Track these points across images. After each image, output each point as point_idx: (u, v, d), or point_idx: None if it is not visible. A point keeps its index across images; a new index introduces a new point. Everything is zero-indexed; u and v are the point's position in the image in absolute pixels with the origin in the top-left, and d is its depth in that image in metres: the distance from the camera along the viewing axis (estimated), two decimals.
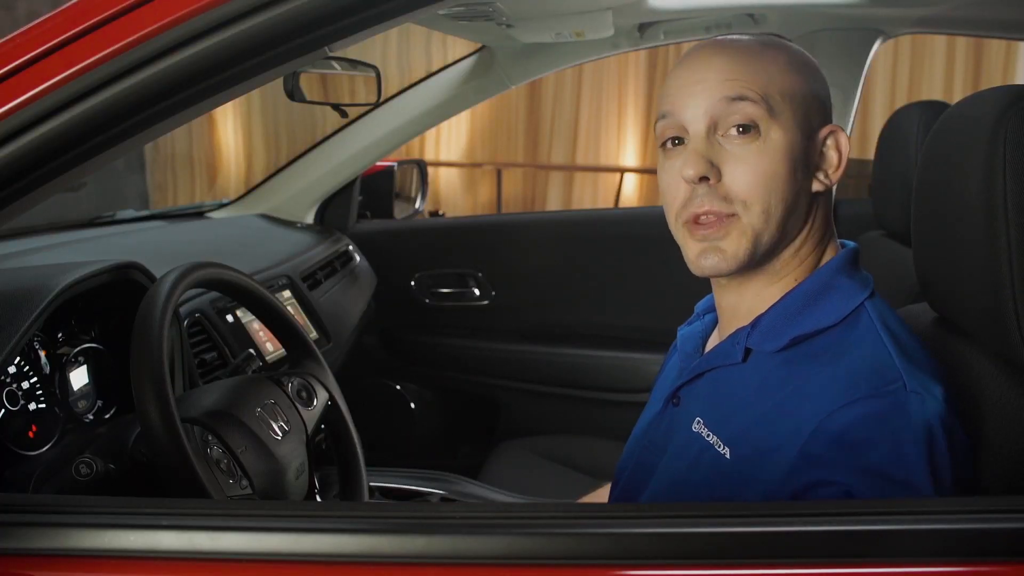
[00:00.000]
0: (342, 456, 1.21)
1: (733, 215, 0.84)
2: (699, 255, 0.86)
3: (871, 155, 1.89)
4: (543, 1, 1.59)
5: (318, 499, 1.16)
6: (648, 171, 5.73)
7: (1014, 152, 0.73)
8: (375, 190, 2.40)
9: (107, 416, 1.16)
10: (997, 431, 0.77)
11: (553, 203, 6.10)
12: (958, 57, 5.04)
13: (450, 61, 2.13)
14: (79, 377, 1.12)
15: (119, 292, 1.13)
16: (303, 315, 1.73)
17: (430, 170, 2.89)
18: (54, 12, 0.72)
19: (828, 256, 0.90)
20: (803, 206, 0.86)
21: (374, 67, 1.93)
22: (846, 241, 0.92)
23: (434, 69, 2.14)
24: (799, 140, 0.84)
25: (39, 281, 0.97)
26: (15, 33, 0.73)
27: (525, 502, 1.51)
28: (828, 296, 0.86)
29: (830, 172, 0.87)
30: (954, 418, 0.77)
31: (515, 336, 2.29)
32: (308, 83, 1.90)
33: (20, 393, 1.02)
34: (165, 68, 0.70)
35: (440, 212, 3.88)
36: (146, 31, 0.69)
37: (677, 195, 0.86)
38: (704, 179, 0.83)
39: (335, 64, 1.90)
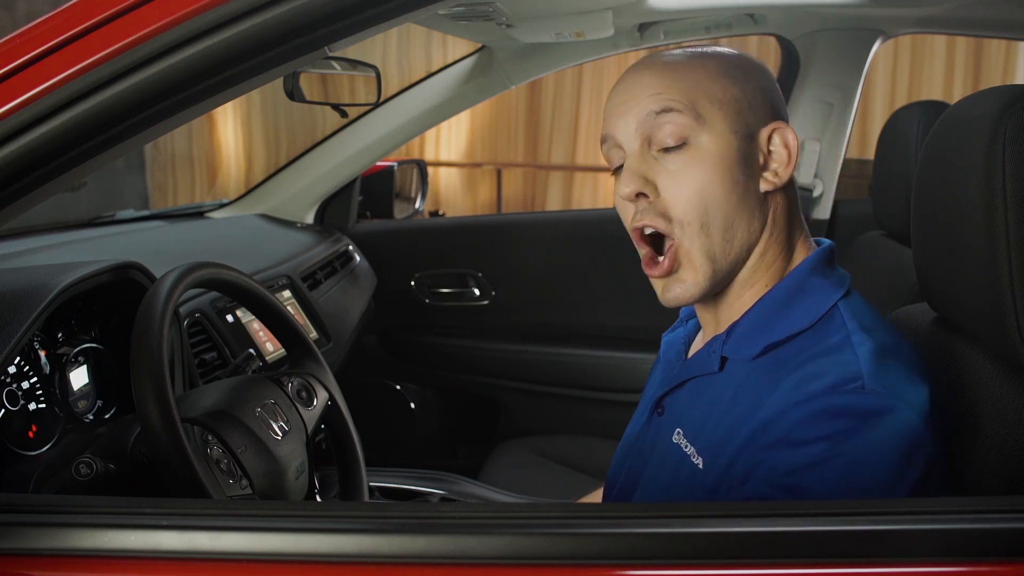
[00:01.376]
0: (342, 456, 1.21)
1: (673, 241, 0.85)
2: (663, 290, 0.87)
3: (871, 155, 1.89)
4: (543, 1, 1.59)
5: (318, 499, 1.16)
6: None
7: (1013, 152, 0.73)
8: (375, 190, 2.40)
9: (107, 416, 1.15)
10: (997, 430, 0.77)
11: (553, 203, 6.10)
12: (958, 57, 5.04)
13: (450, 61, 2.13)
14: (79, 377, 1.12)
15: (119, 292, 1.13)
16: (303, 315, 1.73)
17: (430, 170, 2.90)
18: (54, 12, 0.72)
19: (800, 256, 0.89)
20: (750, 208, 0.85)
21: (374, 67, 1.93)
22: (821, 239, 0.92)
23: (434, 69, 2.14)
24: (734, 143, 0.84)
25: (39, 281, 0.97)
26: (15, 33, 0.73)
27: (525, 502, 1.51)
28: (801, 299, 0.85)
29: (779, 170, 0.86)
30: (926, 428, 0.75)
31: (515, 336, 2.29)
32: (308, 83, 1.90)
33: (20, 393, 1.02)
34: (165, 68, 0.70)
35: (440, 212, 3.88)
36: (146, 31, 0.69)
37: (626, 213, 0.87)
38: (641, 195, 0.85)
39: (335, 64, 1.90)
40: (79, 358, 1.13)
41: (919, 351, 0.85)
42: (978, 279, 0.77)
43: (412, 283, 2.34)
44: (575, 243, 2.26)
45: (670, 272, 0.86)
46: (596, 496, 1.21)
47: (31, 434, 1.02)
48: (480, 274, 2.30)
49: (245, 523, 0.66)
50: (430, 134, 6.09)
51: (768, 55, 5.22)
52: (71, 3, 0.72)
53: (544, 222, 2.45)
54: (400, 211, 2.48)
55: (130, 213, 2.05)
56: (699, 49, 0.89)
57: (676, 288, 0.86)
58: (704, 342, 0.92)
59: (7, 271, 1.05)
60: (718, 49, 0.89)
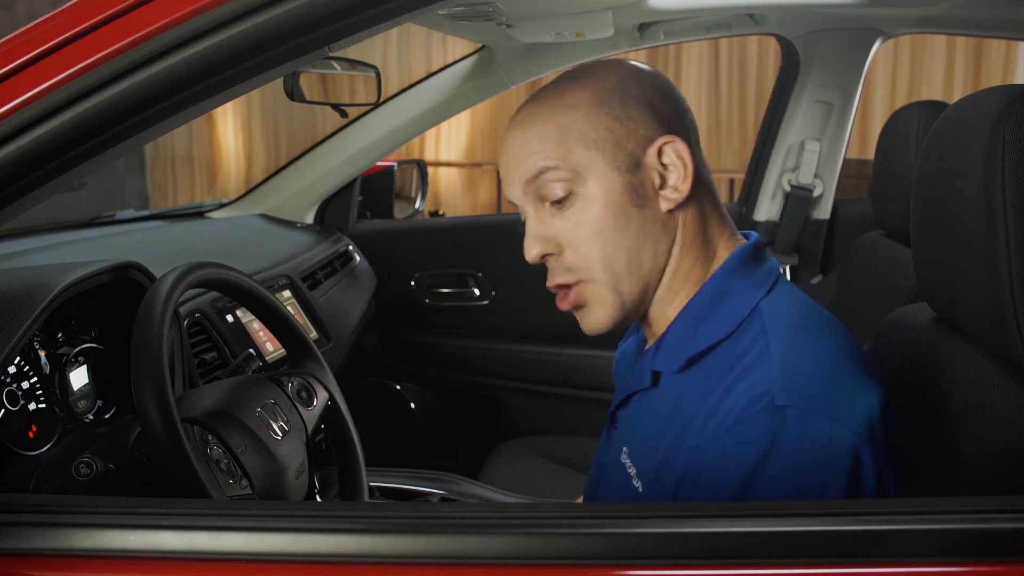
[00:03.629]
0: (342, 456, 1.21)
1: (578, 282, 0.85)
2: (580, 321, 0.88)
3: (871, 155, 1.90)
4: (543, 1, 1.59)
5: (318, 499, 1.16)
6: None
7: (1013, 152, 0.73)
8: (375, 190, 2.40)
9: (107, 416, 1.15)
10: (996, 430, 0.77)
11: None
12: (958, 57, 5.04)
13: (450, 61, 2.13)
14: (79, 377, 1.12)
15: (119, 292, 1.13)
16: (303, 315, 1.73)
17: (430, 170, 2.89)
18: (54, 12, 0.72)
19: (721, 257, 0.86)
20: (654, 234, 0.84)
21: (374, 67, 1.93)
22: (749, 232, 0.90)
23: (434, 69, 2.14)
24: (619, 179, 0.82)
25: (39, 281, 0.97)
26: (15, 33, 0.73)
27: (525, 502, 1.51)
28: (722, 304, 0.83)
29: (678, 184, 0.84)
30: (863, 438, 0.73)
31: (515, 336, 2.29)
32: (308, 83, 1.90)
33: (20, 393, 1.02)
34: (165, 68, 0.70)
35: (440, 212, 3.88)
36: (146, 31, 0.69)
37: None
38: (547, 255, 0.85)
39: (335, 64, 1.90)
40: (79, 358, 1.13)
41: (858, 353, 0.82)
42: (978, 279, 0.77)
43: (412, 283, 2.34)
44: None
45: (577, 307, 0.87)
46: None
47: (31, 434, 1.02)
48: (480, 274, 2.30)
49: (245, 523, 0.66)
50: (430, 134, 6.09)
51: (768, 55, 5.24)
52: (71, 3, 0.72)
53: None
54: (400, 211, 2.48)
55: (130, 213, 2.05)
56: (569, 79, 0.86)
57: (587, 322, 0.87)
58: None
59: (7, 271, 1.05)
60: (589, 71, 0.86)
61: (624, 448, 0.89)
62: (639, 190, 0.83)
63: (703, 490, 0.75)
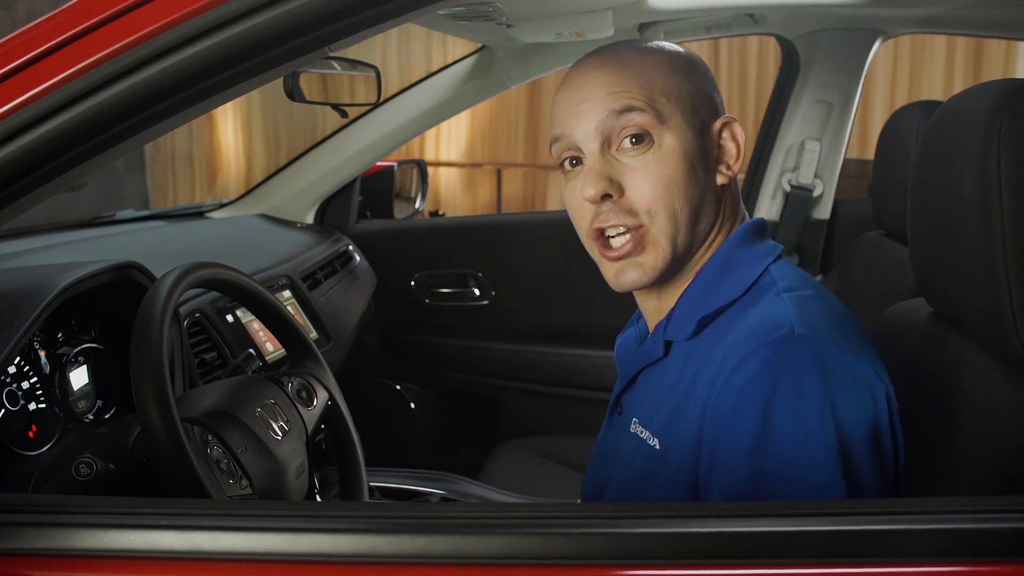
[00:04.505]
0: (342, 456, 1.21)
1: (641, 227, 0.83)
2: (617, 273, 0.86)
3: (871, 155, 1.90)
4: (543, 1, 1.59)
5: (318, 499, 1.16)
6: None
7: (1008, 146, 0.73)
8: (375, 190, 2.40)
9: (107, 416, 1.15)
10: (993, 425, 0.77)
11: (553, 203, 6.09)
12: (958, 57, 5.04)
13: (450, 61, 2.13)
14: (79, 377, 1.12)
15: (119, 292, 1.13)
16: (303, 315, 1.73)
17: (430, 170, 2.89)
18: (54, 12, 0.72)
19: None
20: (711, 202, 0.86)
21: (374, 67, 1.93)
22: (756, 219, 0.92)
23: (434, 69, 2.14)
24: (693, 139, 0.84)
25: (39, 281, 0.97)
26: (15, 33, 0.73)
27: (525, 502, 1.51)
28: (731, 271, 0.85)
29: (731, 163, 0.87)
30: (887, 383, 0.76)
31: (515, 336, 2.29)
32: (308, 83, 1.90)
33: (20, 393, 1.02)
34: (165, 68, 0.70)
35: (440, 212, 3.88)
36: (146, 31, 0.69)
37: (584, 215, 0.86)
38: (607, 196, 0.83)
39: (335, 64, 1.90)
40: (79, 358, 1.13)
41: (864, 332, 0.84)
42: (974, 274, 0.77)
43: (412, 283, 2.33)
44: (575, 243, 2.24)
45: (630, 254, 0.84)
46: None
47: (31, 434, 1.02)
48: (480, 274, 2.30)
49: (245, 523, 0.66)
50: (430, 134, 6.09)
51: (768, 55, 5.24)
52: (71, 3, 0.72)
53: (544, 222, 2.45)
54: (400, 211, 2.47)
55: (130, 213, 2.05)
56: (646, 44, 0.88)
57: (632, 273, 0.85)
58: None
59: (7, 271, 1.05)
60: (663, 44, 0.89)
61: (633, 419, 0.90)
62: (707, 155, 0.86)
63: (723, 433, 0.76)
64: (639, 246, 0.84)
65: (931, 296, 0.90)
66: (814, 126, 2.12)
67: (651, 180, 0.83)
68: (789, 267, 0.86)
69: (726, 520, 0.62)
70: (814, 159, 2.11)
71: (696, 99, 0.85)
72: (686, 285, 0.88)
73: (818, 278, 2.13)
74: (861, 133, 4.60)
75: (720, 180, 0.87)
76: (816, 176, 2.12)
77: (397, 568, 0.62)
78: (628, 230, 0.84)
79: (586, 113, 0.84)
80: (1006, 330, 0.74)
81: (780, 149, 2.15)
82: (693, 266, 0.88)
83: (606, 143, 0.84)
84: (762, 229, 0.90)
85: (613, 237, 0.85)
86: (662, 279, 0.86)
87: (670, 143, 0.83)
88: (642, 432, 0.87)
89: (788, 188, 2.14)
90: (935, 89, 5.05)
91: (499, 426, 2.31)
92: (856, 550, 0.60)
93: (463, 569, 0.62)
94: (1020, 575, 0.59)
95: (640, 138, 0.82)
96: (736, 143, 0.87)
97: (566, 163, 0.87)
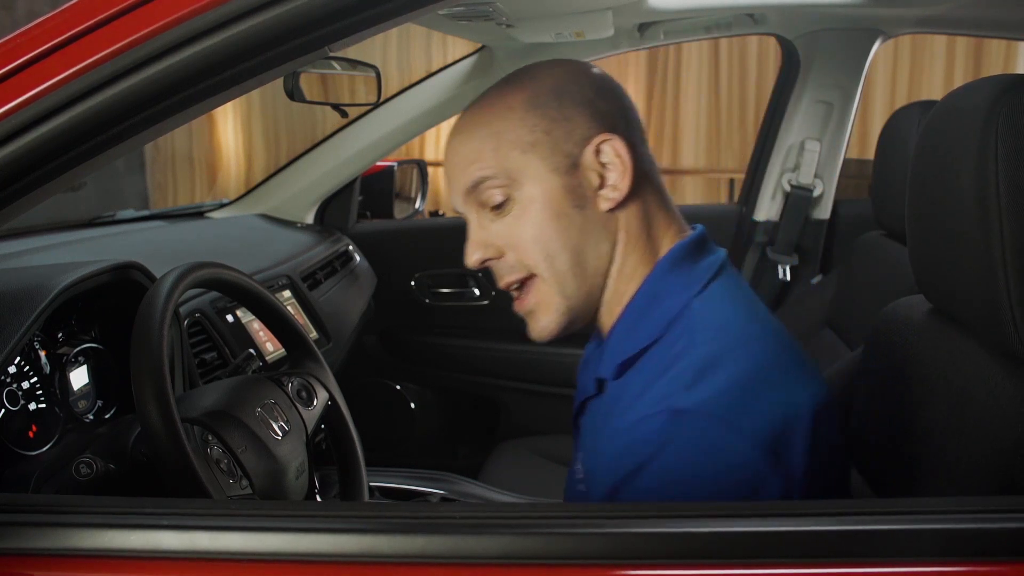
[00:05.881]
0: (342, 456, 1.21)
1: (533, 276, 0.84)
2: (532, 326, 0.87)
3: (871, 155, 1.90)
4: (543, 1, 1.59)
5: (318, 499, 1.16)
6: None
7: (1006, 142, 0.72)
8: (375, 190, 2.40)
9: (107, 416, 1.15)
10: (991, 422, 0.77)
11: None
12: (958, 57, 5.04)
13: (450, 61, 2.13)
14: (79, 377, 1.12)
15: (119, 292, 1.13)
16: (303, 315, 1.73)
17: (430, 170, 2.89)
18: (54, 12, 0.72)
19: (663, 254, 0.85)
20: (595, 234, 0.83)
21: (374, 67, 1.93)
22: (696, 225, 0.88)
23: (434, 69, 2.14)
24: (557, 181, 0.82)
25: (39, 281, 0.97)
26: (15, 33, 0.73)
27: (525, 502, 1.51)
28: (657, 302, 0.82)
29: (617, 183, 0.83)
30: (765, 450, 0.73)
31: (515, 336, 2.28)
32: (308, 83, 1.90)
33: (20, 393, 1.02)
34: (165, 68, 0.70)
35: (440, 212, 3.87)
36: (146, 31, 0.69)
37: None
38: (488, 260, 0.85)
39: (335, 64, 1.90)
40: (79, 358, 1.13)
41: (789, 355, 0.81)
42: (972, 270, 0.77)
43: (412, 283, 2.34)
44: None
45: (532, 310, 0.86)
46: None
47: (31, 434, 1.02)
48: (480, 274, 2.30)
49: (245, 523, 0.66)
50: (430, 134, 6.08)
51: (768, 55, 5.24)
52: (71, 3, 0.72)
53: None
54: (400, 211, 2.48)
55: (130, 213, 2.05)
56: (508, 81, 0.86)
57: (536, 327, 0.86)
58: None
59: (7, 271, 1.04)
60: (528, 72, 0.86)
61: (579, 454, 0.90)
62: (578, 191, 0.83)
63: (597, 482, 0.77)
64: (536, 299, 0.85)
65: (929, 292, 0.90)
66: (814, 126, 2.12)
67: (519, 238, 0.83)
68: (715, 296, 0.81)
69: (726, 520, 0.62)
70: (814, 159, 2.11)
71: (558, 134, 0.82)
72: (616, 312, 0.86)
73: (818, 278, 2.13)
74: (861, 133, 4.60)
75: (605, 206, 0.83)
76: (816, 176, 2.12)
77: (397, 568, 0.62)
78: (522, 283, 0.85)
79: (453, 184, 0.86)
80: (1004, 325, 0.73)
81: (780, 149, 2.15)
82: (620, 297, 0.85)
83: (479, 207, 0.85)
84: (700, 245, 0.85)
85: (515, 291, 0.86)
86: (579, 322, 0.86)
87: (530, 196, 0.82)
88: (579, 472, 0.88)
89: (788, 188, 2.14)
90: (935, 89, 5.04)
91: (499, 426, 2.31)
92: (856, 550, 0.60)
93: (463, 569, 0.62)
94: (1020, 575, 0.59)
95: (499, 204, 0.83)
96: (619, 158, 0.82)
97: None
